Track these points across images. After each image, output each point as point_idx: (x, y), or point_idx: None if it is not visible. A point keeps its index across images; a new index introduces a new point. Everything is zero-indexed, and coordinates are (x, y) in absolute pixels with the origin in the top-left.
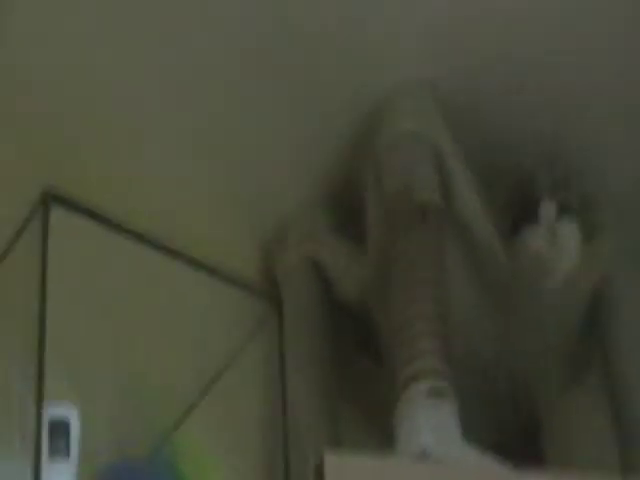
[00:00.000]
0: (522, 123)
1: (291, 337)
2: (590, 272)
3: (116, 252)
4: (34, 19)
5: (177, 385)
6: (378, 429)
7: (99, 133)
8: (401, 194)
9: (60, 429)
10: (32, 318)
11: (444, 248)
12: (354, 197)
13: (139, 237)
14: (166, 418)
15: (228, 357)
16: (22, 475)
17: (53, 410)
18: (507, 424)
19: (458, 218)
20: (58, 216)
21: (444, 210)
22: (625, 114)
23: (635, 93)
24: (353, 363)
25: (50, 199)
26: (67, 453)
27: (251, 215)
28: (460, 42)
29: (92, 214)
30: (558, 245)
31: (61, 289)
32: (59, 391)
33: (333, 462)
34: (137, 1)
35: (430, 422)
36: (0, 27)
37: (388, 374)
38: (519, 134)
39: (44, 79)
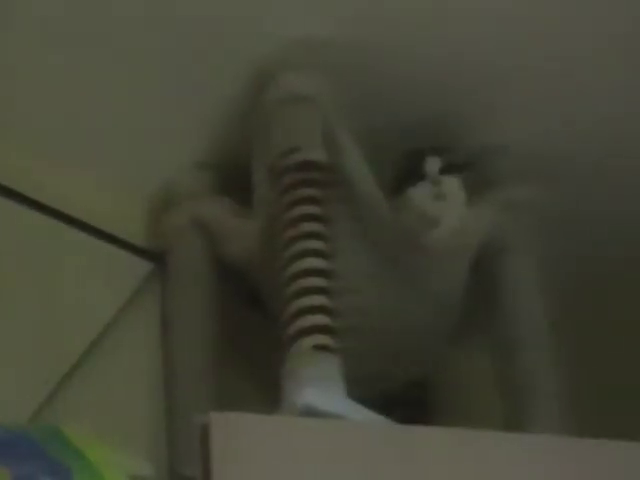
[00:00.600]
0: (411, 79)
1: (175, 296)
2: (476, 227)
3: None
4: None
5: (61, 345)
6: (266, 387)
7: None
8: (287, 151)
9: None
10: None
11: (330, 205)
12: (241, 157)
13: (20, 197)
14: (49, 379)
15: (112, 317)
16: None
17: None
18: (394, 380)
19: (343, 176)
20: None
21: (329, 168)
22: (520, 69)
23: (532, 48)
24: (242, 320)
25: None
26: None
27: (137, 175)
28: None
29: None
30: (443, 200)
31: None
32: None
33: (219, 421)
34: None
35: (314, 377)
36: None
37: (275, 331)
38: (408, 91)
39: None
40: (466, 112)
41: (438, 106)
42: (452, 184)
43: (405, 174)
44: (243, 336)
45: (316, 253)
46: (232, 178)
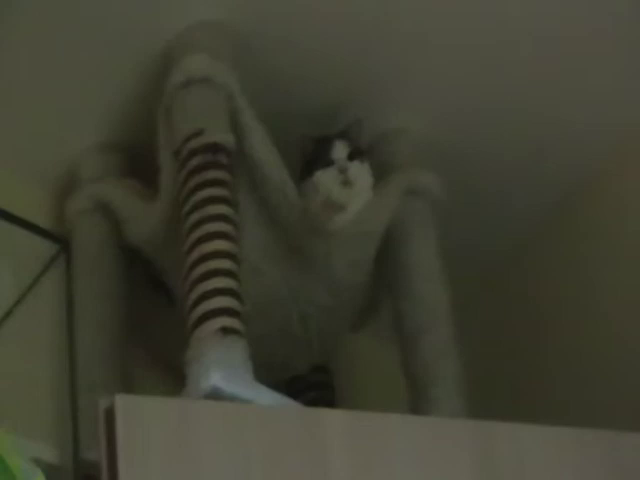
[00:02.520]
0: (313, 62)
1: (79, 278)
2: (379, 212)
3: None
4: None
5: None
6: (171, 371)
7: None
8: (193, 134)
9: None
10: None
11: (236, 188)
12: (146, 139)
13: None
14: None
15: (16, 298)
16: None
17: None
18: (300, 364)
19: (249, 159)
20: None
21: (235, 151)
22: (426, 47)
23: (436, 26)
24: (147, 304)
25: None
26: None
27: (41, 158)
28: None
29: None
30: (350, 185)
31: None
32: None
33: (124, 404)
34: None
35: (220, 360)
36: None
37: (181, 314)
38: (310, 75)
39: None
40: (367, 97)
41: (340, 90)
42: (359, 170)
43: (312, 159)
44: (148, 319)
45: (222, 235)
46: (137, 160)
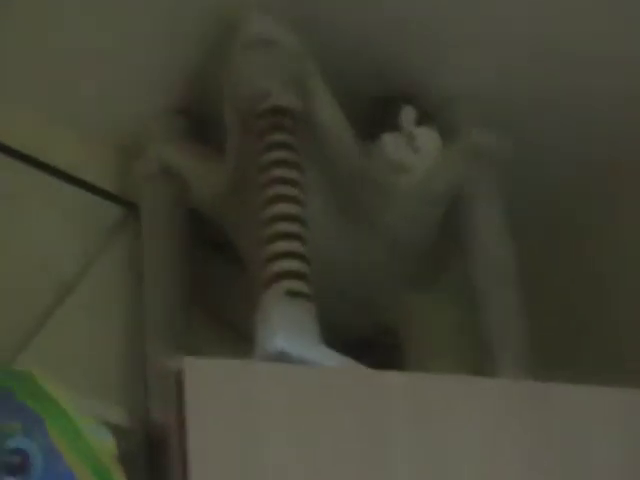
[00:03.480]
0: (374, 32)
1: (147, 241)
2: (444, 175)
3: None
4: None
5: (33, 293)
6: (237, 334)
7: None
8: (258, 97)
9: None
10: None
11: (301, 150)
12: (212, 102)
13: None
14: (22, 327)
15: (85, 262)
16: None
17: None
18: (363, 324)
19: (314, 121)
20: None
21: (301, 113)
22: (473, 15)
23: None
24: (212, 266)
25: None
26: None
27: (107, 120)
28: None
29: None
30: (418, 150)
31: None
32: None
33: (192, 367)
34: None
35: (287, 323)
36: None
37: (247, 277)
38: (372, 44)
39: None
40: (432, 59)
41: (404, 52)
42: (427, 135)
43: (379, 121)
44: (212, 282)
45: (289, 199)
46: (203, 124)
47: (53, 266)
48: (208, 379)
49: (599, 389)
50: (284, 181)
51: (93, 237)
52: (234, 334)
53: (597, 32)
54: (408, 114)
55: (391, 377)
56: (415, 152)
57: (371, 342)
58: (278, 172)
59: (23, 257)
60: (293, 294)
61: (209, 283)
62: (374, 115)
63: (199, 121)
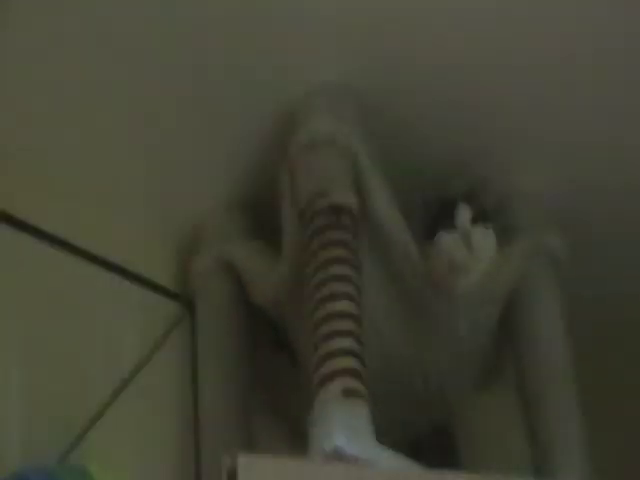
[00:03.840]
0: (438, 126)
1: (204, 338)
2: (504, 274)
3: (28, 253)
4: None
5: (90, 387)
6: (293, 431)
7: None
8: (317, 195)
9: None
10: None
11: (359, 249)
12: (270, 199)
13: (53, 239)
14: (79, 421)
15: (141, 359)
16: None
17: None
18: (420, 426)
19: (372, 220)
20: None
21: (359, 211)
22: (539, 113)
23: (549, 90)
24: (269, 364)
25: None
26: None
27: (166, 217)
28: (376, 42)
29: (4, 215)
30: (473, 249)
31: None
32: None
33: (246, 464)
34: None
35: (343, 422)
36: None
37: (303, 375)
38: (434, 138)
39: None
40: (491, 158)
41: (463, 150)
42: (483, 234)
43: (435, 221)
44: (271, 381)
45: (345, 296)
46: (262, 219)
47: (113, 362)
48: (262, 476)
49: None
50: (341, 278)
51: (150, 333)
52: (294, 433)
53: None
54: (464, 213)
55: (449, 477)
56: (471, 252)
57: (427, 443)
58: (335, 269)
59: (83, 352)
60: (349, 392)
61: (271, 382)
62: (432, 215)
63: (257, 217)
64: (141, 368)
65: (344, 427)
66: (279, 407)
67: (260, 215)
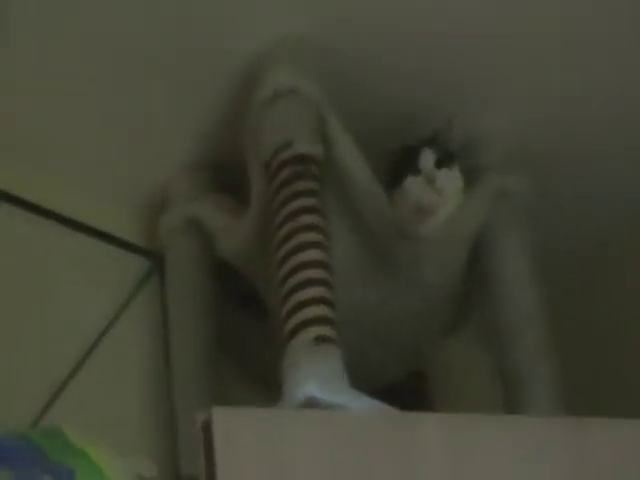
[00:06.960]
0: (395, 71)
1: (173, 294)
2: (470, 215)
3: None
4: None
5: (61, 345)
6: (263, 383)
7: None
8: (282, 146)
9: None
10: None
11: (325, 198)
12: (235, 154)
13: (19, 201)
14: (51, 380)
15: (111, 315)
16: None
17: None
18: (392, 371)
19: (338, 170)
20: None
21: (324, 161)
22: (508, 49)
23: (518, 26)
24: (237, 318)
25: None
26: None
27: (134, 177)
28: None
29: None
30: (439, 191)
31: None
32: None
33: (221, 417)
34: None
35: (315, 370)
36: None
37: (272, 328)
38: (397, 81)
39: None
40: (455, 101)
41: (427, 96)
42: (448, 177)
43: (400, 168)
44: (238, 334)
45: (316, 245)
46: (226, 177)
47: (80, 320)
48: (237, 428)
49: (634, 422)
50: (310, 228)
51: (119, 291)
52: (263, 385)
53: None
54: (427, 157)
55: (422, 418)
56: (437, 194)
57: (400, 387)
58: (304, 219)
59: (53, 311)
60: (321, 340)
61: (237, 335)
62: (396, 163)
63: (222, 175)
64: (111, 324)
65: (317, 374)
66: (248, 360)
67: (227, 172)
